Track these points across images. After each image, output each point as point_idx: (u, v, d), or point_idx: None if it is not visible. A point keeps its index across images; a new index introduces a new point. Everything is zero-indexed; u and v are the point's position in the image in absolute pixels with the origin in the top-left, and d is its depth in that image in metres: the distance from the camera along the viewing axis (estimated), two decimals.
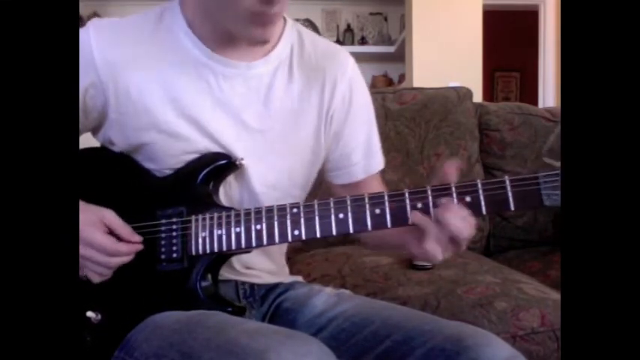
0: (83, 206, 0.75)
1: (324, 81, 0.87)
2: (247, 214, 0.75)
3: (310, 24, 3.93)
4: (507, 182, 0.67)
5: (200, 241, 0.76)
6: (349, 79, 0.89)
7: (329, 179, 0.94)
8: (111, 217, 0.76)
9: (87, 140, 0.84)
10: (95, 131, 0.84)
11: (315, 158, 0.88)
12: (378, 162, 0.94)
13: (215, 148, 0.80)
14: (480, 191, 0.68)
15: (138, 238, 0.77)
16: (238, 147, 0.81)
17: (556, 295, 1.08)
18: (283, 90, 0.84)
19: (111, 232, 0.75)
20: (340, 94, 0.88)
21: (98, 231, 0.74)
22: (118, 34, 0.79)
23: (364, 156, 0.92)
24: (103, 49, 0.78)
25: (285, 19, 0.87)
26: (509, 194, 0.67)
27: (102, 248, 0.74)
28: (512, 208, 0.67)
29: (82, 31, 0.79)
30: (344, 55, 0.91)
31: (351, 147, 0.91)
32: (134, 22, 0.81)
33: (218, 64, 0.80)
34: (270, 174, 0.84)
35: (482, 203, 0.68)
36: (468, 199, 0.68)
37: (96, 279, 0.76)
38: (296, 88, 0.85)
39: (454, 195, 0.68)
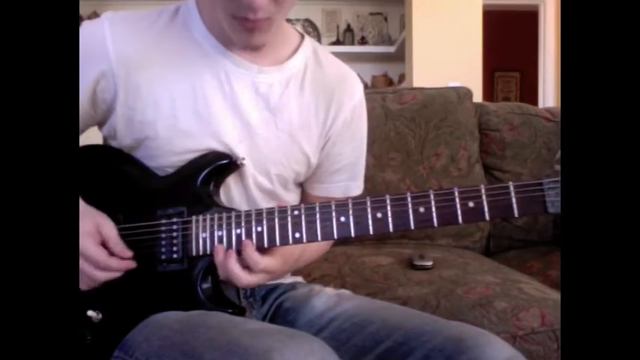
0: (83, 210, 0.75)
1: (330, 102, 0.87)
2: (248, 215, 0.74)
3: (310, 24, 3.93)
4: (511, 188, 0.67)
5: (200, 241, 0.76)
6: (354, 105, 0.90)
7: (307, 189, 0.94)
8: (108, 228, 0.76)
9: (87, 138, 0.84)
10: (101, 125, 0.85)
11: (307, 171, 0.90)
12: (358, 187, 0.96)
13: (218, 147, 0.80)
14: (484, 197, 0.67)
15: (129, 254, 0.76)
16: (240, 148, 0.81)
17: (556, 295, 1.08)
18: (294, 102, 0.84)
19: (104, 244, 0.75)
20: (343, 118, 0.89)
21: (93, 242, 0.74)
22: (132, 29, 0.80)
23: (347, 178, 0.94)
24: (117, 43, 0.78)
25: (302, 36, 0.89)
26: (513, 200, 0.66)
27: (93, 261, 0.74)
28: (516, 214, 0.66)
29: (96, 23, 0.79)
30: (355, 81, 0.92)
31: (337, 167, 0.92)
32: (149, 18, 0.82)
33: (230, 62, 0.80)
34: (264, 179, 0.84)
35: (486, 209, 0.67)
36: (471, 204, 0.68)
37: (83, 287, 0.76)
38: (305, 102, 0.85)
39: (457, 200, 0.68)
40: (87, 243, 0.73)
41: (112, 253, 0.76)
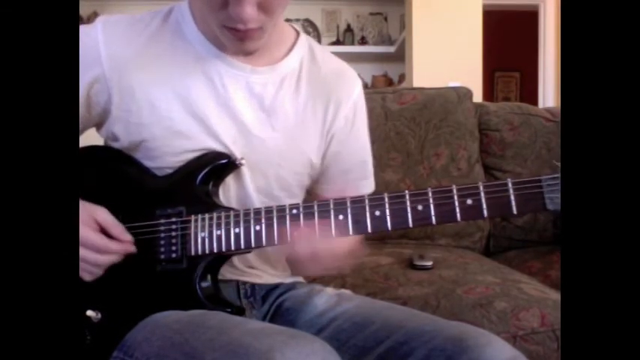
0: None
1: (329, 99, 0.87)
2: (246, 214, 0.74)
3: (310, 24, 3.93)
4: (510, 185, 0.66)
5: (199, 241, 0.76)
6: (354, 102, 0.90)
7: (319, 191, 0.94)
8: (103, 215, 0.76)
9: (87, 138, 0.84)
10: (99, 127, 0.85)
11: (311, 171, 0.89)
12: (370, 184, 0.96)
13: (216, 147, 0.80)
14: (482, 194, 0.67)
15: (129, 237, 0.77)
16: (235, 149, 0.81)
17: (556, 295, 1.08)
18: (289, 102, 0.84)
19: (103, 231, 0.75)
20: (343, 115, 0.88)
21: (89, 229, 0.74)
22: (125, 32, 0.80)
23: (358, 177, 0.94)
24: (110, 46, 0.78)
25: (298, 33, 0.88)
26: (512, 197, 0.66)
27: (92, 245, 0.74)
28: (515, 211, 0.65)
29: (90, 27, 0.80)
30: (353, 77, 0.92)
31: (348, 166, 0.92)
32: (142, 20, 0.82)
33: (222, 63, 0.80)
34: (261, 180, 0.84)
35: (484, 206, 0.67)
36: (469, 201, 0.67)
37: (87, 277, 0.76)
38: (301, 101, 0.85)
39: (455, 198, 0.68)
40: (84, 231, 0.73)
41: (110, 236, 0.76)
